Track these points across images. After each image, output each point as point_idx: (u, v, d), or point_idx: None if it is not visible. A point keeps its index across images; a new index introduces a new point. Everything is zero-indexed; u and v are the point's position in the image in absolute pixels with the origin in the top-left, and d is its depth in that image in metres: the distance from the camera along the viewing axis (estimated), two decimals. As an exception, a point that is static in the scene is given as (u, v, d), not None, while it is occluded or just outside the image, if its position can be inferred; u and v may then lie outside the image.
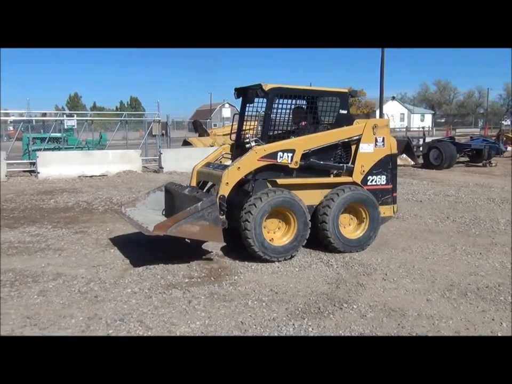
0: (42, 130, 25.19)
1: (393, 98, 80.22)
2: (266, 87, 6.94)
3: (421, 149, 20.95)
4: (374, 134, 7.36)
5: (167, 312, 5.04)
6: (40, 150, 18.83)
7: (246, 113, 7.78)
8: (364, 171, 7.34)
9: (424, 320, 4.89)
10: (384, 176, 7.51)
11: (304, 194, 6.96)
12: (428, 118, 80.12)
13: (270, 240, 6.70)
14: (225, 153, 8.06)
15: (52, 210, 10.75)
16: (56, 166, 16.75)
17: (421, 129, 44.67)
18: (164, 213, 7.63)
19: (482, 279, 6.13)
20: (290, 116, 7.63)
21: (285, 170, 7.00)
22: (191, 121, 43.20)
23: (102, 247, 7.50)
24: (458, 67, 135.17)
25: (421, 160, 20.47)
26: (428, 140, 22.51)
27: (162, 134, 23.92)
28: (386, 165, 7.51)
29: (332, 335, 4.55)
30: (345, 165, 7.32)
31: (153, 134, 22.10)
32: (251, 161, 6.75)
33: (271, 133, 7.21)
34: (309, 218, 6.86)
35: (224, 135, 21.57)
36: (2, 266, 6.49)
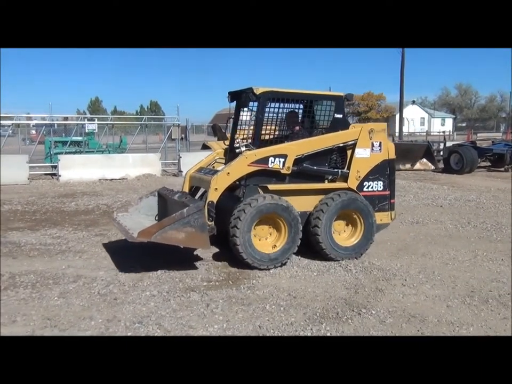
0: (64, 134, 25.54)
1: (413, 102, 79.43)
2: (258, 90, 6.80)
3: (441, 153, 20.74)
4: (370, 139, 7.15)
5: (185, 315, 5.06)
6: (61, 153, 19.11)
7: (240, 118, 7.71)
8: (359, 177, 7.15)
9: (444, 327, 4.82)
10: (381, 182, 7.30)
11: (297, 200, 6.83)
12: (449, 122, 79.16)
13: (259, 247, 6.54)
14: (219, 158, 7.93)
15: (73, 213, 10.89)
16: (77, 169, 16.98)
17: (441, 133, 44.26)
18: (156, 218, 7.51)
19: (504, 285, 6.03)
20: (284, 120, 7.54)
21: (277, 176, 6.84)
22: (210, 125, 43.34)
23: (122, 250, 7.56)
24: (480, 71, 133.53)
25: (441, 165, 20.27)
26: (449, 144, 22.28)
27: (182, 138, 24.03)
28: (383, 171, 7.30)
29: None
30: (340, 170, 7.13)
31: (172, 138, 22.24)
32: (241, 166, 6.61)
33: (264, 138, 7.13)
34: (301, 225, 6.71)
35: (242, 139, 21.60)
36: (24, 268, 6.59)
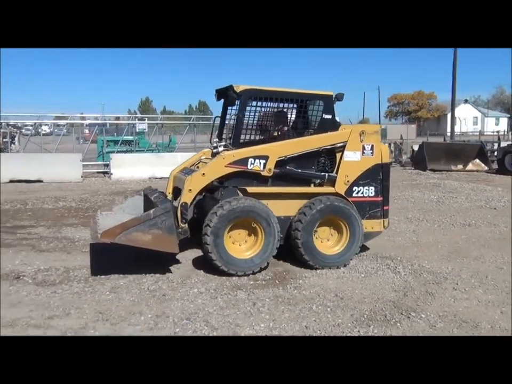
0: (115, 133, 26.22)
1: (466, 101, 77.16)
2: (238, 88, 6.54)
3: (495, 154, 20.09)
4: (361, 141, 6.74)
5: (232, 313, 5.10)
6: (113, 152, 19.63)
7: (227, 116, 7.43)
8: (348, 181, 6.73)
9: (498, 333, 4.67)
10: (373, 188, 6.86)
11: (279, 205, 6.52)
12: (503, 122, 76.36)
13: (233, 252, 6.22)
14: (205, 157, 7.51)
15: (124, 210, 11.15)
16: (128, 167, 17.42)
17: (495, 133, 42.77)
18: None
19: None
20: (269, 120, 7.17)
21: (258, 178, 6.51)
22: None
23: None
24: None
25: (495, 166, 19.63)
26: (503, 144, 21.54)
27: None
28: (375, 175, 6.85)
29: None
30: (327, 174, 6.75)
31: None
32: (218, 167, 6.35)
33: (250, 138, 6.81)
34: (278, 230, 6.34)
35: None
36: (77, 263, 6.81)
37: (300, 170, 6.69)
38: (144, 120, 23.59)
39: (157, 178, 17.18)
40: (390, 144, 24.73)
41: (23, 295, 5.53)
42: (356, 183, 6.79)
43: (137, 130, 22.63)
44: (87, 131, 35.42)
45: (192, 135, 25.38)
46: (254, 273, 6.27)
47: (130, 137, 22.40)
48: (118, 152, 20.01)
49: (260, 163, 6.41)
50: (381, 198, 6.94)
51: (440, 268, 6.69)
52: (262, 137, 7.04)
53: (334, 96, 6.88)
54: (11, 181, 15.91)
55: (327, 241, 6.73)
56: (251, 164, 6.39)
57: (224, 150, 6.61)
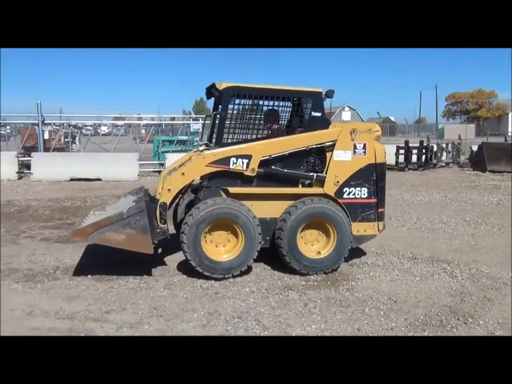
0: (170, 133, 26.78)
1: (530, 99, 73.72)
2: (221, 85, 6.29)
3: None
4: (352, 140, 6.41)
5: (283, 313, 5.10)
6: (168, 151, 20.01)
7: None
8: (338, 182, 6.40)
9: (563, 343, 4.44)
10: (366, 189, 6.48)
11: (265, 206, 6.34)
12: None
13: (211, 254, 6.07)
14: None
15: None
16: (182, 167, 17.69)
17: (562, 133, 40.66)
18: None
19: None
20: (256, 119, 6.94)
21: (242, 178, 6.31)
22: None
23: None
24: None
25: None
26: None
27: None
28: (368, 176, 6.48)
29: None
30: (315, 174, 6.45)
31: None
32: (198, 167, 6.23)
33: (236, 138, 6.57)
34: (260, 232, 6.11)
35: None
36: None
37: (285, 170, 6.43)
38: (199, 120, 23.89)
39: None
40: (447, 145, 24.04)
41: (82, 289, 5.75)
42: (347, 183, 6.45)
43: (191, 130, 22.97)
44: (143, 131, 36.42)
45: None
46: (233, 276, 6.11)
47: (185, 137, 22.77)
48: (173, 151, 20.38)
49: (243, 162, 6.22)
50: (375, 200, 6.56)
51: (499, 273, 6.44)
52: (253, 136, 6.73)
53: (324, 93, 6.55)
54: (72, 179, 16.55)
55: (313, 245, 6.45)
56: (233, 163, 6.21)
57: (205, 150, 6.41)
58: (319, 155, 6.55)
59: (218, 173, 6.27)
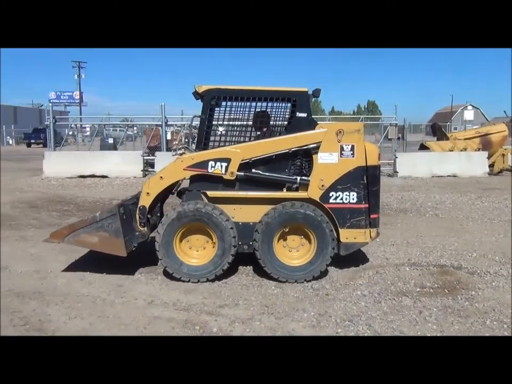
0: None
1: None
2: (201, 88, 6.20)
3: None
4: (338, 142, 6.02)
5: (396, 319, 4.95)
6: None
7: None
8: (323, 186, 6.05)
9: None
10: (355, 193, 6.06)
11: (247, 210, 6.14)
12: None
13: (185, 258, 6.04)
14: None
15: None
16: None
17: None
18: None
19: None
20: (239, 121, 6.58)
21: (223, 182, 6.14)
22: (429, 124, 41.61)
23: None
24: None
25: None
26: None
27: (398, 138, 23.50)
28: (357, 179, 6.05)
29: None
30: (299, 178, 6.13)
31: (389, 137, 21.86)
32: (176, 170, 6.16)
33: (224, 142, 6.42)
34: (234, 236, 5.94)
35: (465, 139, 20.18)
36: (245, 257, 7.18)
37: (267, 174, 6.19)
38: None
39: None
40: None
41: (198, 283, 6.01)
42: (333, 187, 6.08)
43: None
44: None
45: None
46: (208, 280, 6.01)
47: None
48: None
49: (221, 166, 6.07)
50: (366, 205, 6.12)
51: None
52: (240, 139, 6.50)
53: (309, 93, 6.25)
54: (190, 178, 17.33)
55: (298, 251, 6.19)
56: (211, 167, 6.09)
57: (183, 153, 6.35)
58: (304, 158, 6.25)
59: (199, 176, 6.19)
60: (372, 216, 6.17)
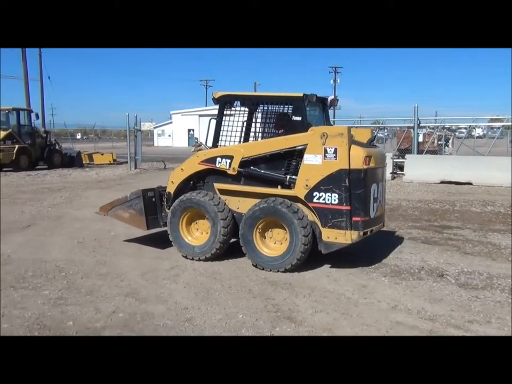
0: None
1: None
2: (216, 94, 7.18)
3: None
4: (322, 144, 6.18)
5: None
6: None
7: (224, 119, 7.43)
8: (307, 185, 6.33)
9: None
10: (336, 195, 6.18)
11: (247, 203, 6.79)
12: None
13: (187, 239, 7.13)
14: None
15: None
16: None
17: None
18: None
19: None
20: (266, 122, 7.18)
21: (230, 176, 6.90)
22: None
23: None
24: None
25: None
26: None
27: None
28: (339, 182, 6.17)
29: None
30: (288, 176, 6.56)
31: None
32: (193, 164, 7.16)
33: (231, 139, 7.24)
34: (222, 218, 6.77)
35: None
36: (502, 271, 6.58)
37: (262, 171, 6.76)
38: None
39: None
40: None
41: (445, 294, 5.73)
42: (317, 188, 6.31)
43: None
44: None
45: None
46: (199, 259, 6.97)
47: None
48: None
49: (226, 162, 6.84)
50: (348, 208, 6.18)
51: None
52: (250, 139, 7.45)
53: (304, 98, 6.67)
54: (442, 182, 16.60)
55: (279, 244, 6.69)
56: (219, 162, 6.90)
57: (200, 149, 7.29)
58: (296, 158, 6.61)
59: (211, 170, 7.04)
60: (353, 218, 6.25)
